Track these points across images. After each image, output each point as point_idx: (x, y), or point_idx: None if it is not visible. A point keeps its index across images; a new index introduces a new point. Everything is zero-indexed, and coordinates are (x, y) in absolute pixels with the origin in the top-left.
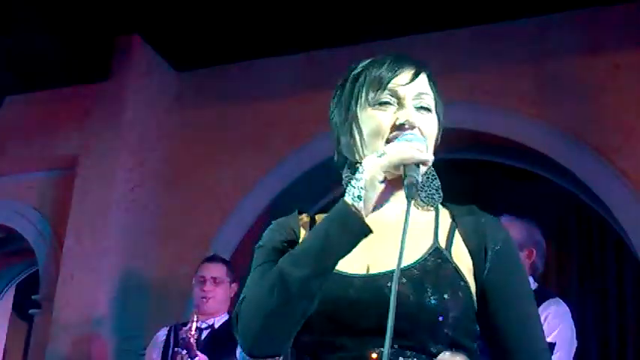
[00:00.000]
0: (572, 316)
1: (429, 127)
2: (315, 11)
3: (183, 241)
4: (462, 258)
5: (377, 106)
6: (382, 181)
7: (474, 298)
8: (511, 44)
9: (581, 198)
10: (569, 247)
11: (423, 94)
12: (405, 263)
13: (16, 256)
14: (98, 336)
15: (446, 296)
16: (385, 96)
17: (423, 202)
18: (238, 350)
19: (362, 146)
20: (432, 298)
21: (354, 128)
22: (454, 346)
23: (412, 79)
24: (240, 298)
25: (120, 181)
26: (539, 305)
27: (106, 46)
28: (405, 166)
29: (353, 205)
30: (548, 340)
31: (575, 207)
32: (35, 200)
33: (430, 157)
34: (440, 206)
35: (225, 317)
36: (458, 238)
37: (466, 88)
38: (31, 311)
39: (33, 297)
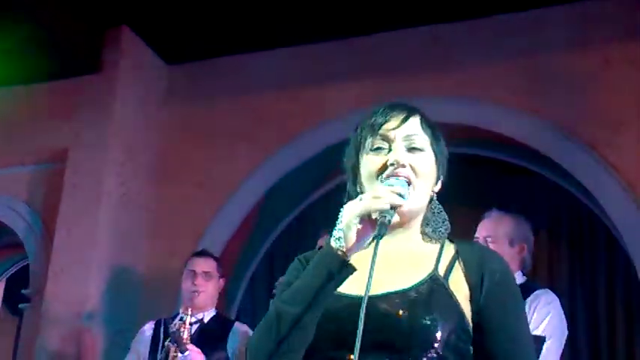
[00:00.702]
0: (563, 309)
1: (421, 165)
2: (304, 5)
3: (173, 235)
4: (459, 286)
5: (373, 152)
6: (360, 222)
7: (468, 322)
8: (502, 39)
9: (571, 192)
10: (560, 240)
11: (413, 135)
12: (404, 286)
13: (5, 250)
14: (88, 330)
15: (438, 317)
16: (378, 141)
17: (430, 236)
18: (229, 348)
19: (360, 189)
20: (424, 318)
21: (357, 173)
22: None
23: (401, 123)
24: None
25: (110, 174)
26: (526, 298)
27: (97, 39)
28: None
29: (336, 248)
30: (537, 332)
31: (566, 201)
32: (25, 194)
33: (401, 202)
34: (447, 241)
35: (213, 312)
36: (458, 268)
37: (457, 83)
38: (21, 305)
39: (23, 291)
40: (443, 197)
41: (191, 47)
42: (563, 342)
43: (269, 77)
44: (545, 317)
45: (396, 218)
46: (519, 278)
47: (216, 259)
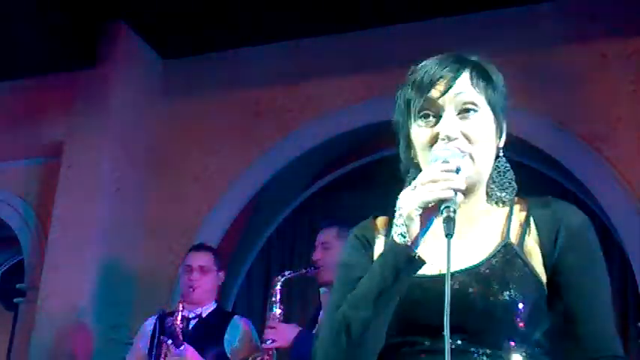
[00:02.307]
0: None
1: (475, 130)
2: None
3: (169, 230)
4: (533, 251)
5: (420, 120)
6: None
7: (545, 289)
8: (498, 33)
9: (567, 187)
10: None
11: (462, 94)
12: (474, 262)
13: (0, 245)
14: (83, 325)
15: (515, 292)
16: (425, 106)
17: (496, 199)
18: (227, 342)
19: (414, 157)
20: (501, 294)
21: (406, 139)
22: (528, 341)
23: (448, 86)
24: (317, 335)
25: (105, 169)
26: None
27: (92, 34)
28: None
29: (401, 243)
30: None
31: (561, 195)
32: (20, 188)
33: (461, 186)
34: (516, 202)
35: (212, 307)
36: (531, 232)
37: None
38: (16, 300)
39: (18, 286)
40: None
41: (187, 42)
42: None
43: (265, 72)
44: None
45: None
46: None
47: (214, 252)
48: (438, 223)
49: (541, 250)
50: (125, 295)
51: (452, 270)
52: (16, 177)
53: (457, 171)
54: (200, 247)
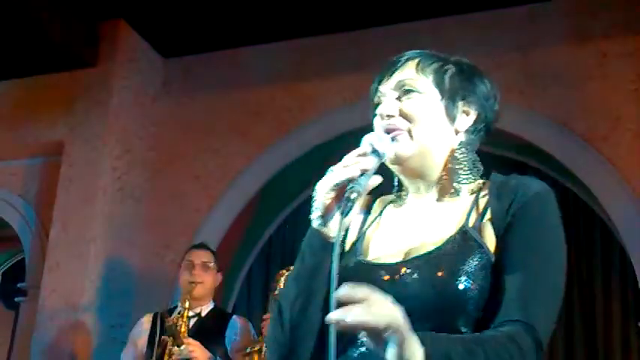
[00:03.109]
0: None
1: (413, 109)
2: None
3: (169, 229)
4: (488, 232)
5: (375, 110)
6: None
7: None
8: (498, 32)
9: (567, 186)
10: None
11: (403, 80)
12: (431, 247)
13: (1, 244)
14: (84, 324)
15: (469, 278)
16: (376, 100)
17: (456, 188)
18: (227, 340)
19: None
20: (455, 280)
21: None
22: (483, 328)
23: (391, 74)
24: None
25: (106, 168)
26: None
27: (93, 33)
28: (350, 180)
29: (317, 228)
30: None
31: (562, 195)
32: (21, 187)
33: (370, 165)
34: (485, 184)
35: (211, 305)
36: (489, 212)
37: None
38: (17, 299)
39: (19, 285)
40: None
41: (187, 41)
42: None
43: (265, 71)
44: None
45: (376, 180)
46: None
47: (213, 252)
48: (391, 212)
49: (494, 229)
50: (125, 295)
51: (408, 257)
52: (16, 176)
53: (376, 152)
54: (201, 246)
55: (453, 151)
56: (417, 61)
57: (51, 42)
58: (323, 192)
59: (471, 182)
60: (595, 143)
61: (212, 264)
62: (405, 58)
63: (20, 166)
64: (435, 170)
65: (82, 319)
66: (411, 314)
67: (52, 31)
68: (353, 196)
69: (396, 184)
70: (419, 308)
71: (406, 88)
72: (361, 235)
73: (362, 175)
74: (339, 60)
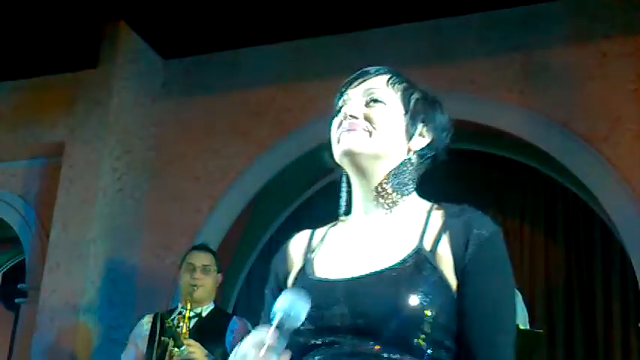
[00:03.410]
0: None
1: (377, 115)
2: (301, 0)
3: (169, 230)
4: (445, 258)
5: (337, 114)
6: None
7: (455, 295)
8: (498, 33)
9: (567, 186)
10: (556, 235)
11: (373, 89)
12: (386, 265)
13: (1, 245)
14: (84, 325)
15: (423, 296)
16: (340, 103)
17: (392, 190)
18: (227, 340)
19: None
20: (409, 299)
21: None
22: (435, 345)
23: (362, 82)
24: None
25: (106, 169)
26: None
27: (94, 34)
28: None
29: None
30: None
31: (562, 195)
32: (21, 188)
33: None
34: (434, 209)
35: (211, 306)
36: (445, 239)
37: (453, 77)
38: (17, 300)
39: (19, 286)
40: (438, 192)
41: (188, 42)
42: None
43: (265, 72)
44: None
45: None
46: None
47: (214, 253)
48: (338, 231)
49: (453, 257)
50: (126, 295)
51: (366, 272)
52: (17, 177)
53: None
54: (202, 248)
55: (400, 165)
56: (388, 76)
57: (52, 43)
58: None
59: (405, 196)
60: (595, 143)
61: (213, 266)
62: (376, 69)
63: (20, 167)
64: (381, 176)
65: (82, 320)
66: (367, 331)
67: (53, 32)
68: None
69: (343, 203)
70: (374, 325)
71: (374, 97)
72: (306, 262)
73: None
74: (340, 61)
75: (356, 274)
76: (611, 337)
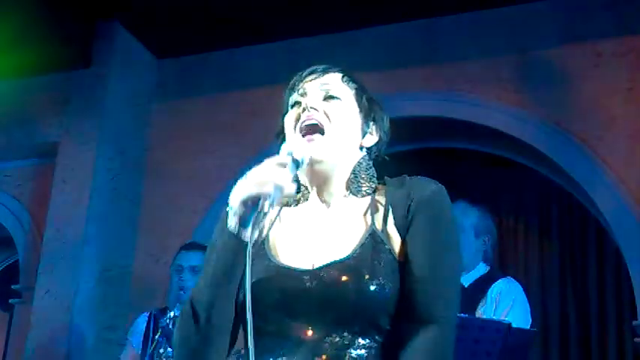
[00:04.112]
0: (554, 302)
1: (335, 111)
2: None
3: (164, 230)
4: (393, 233)
5: (291, 108)
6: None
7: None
8: (492, 32)
9: (562, 186)
10: (550, 234)
11: (329, 84)
12: (344, 253)
13: None
14: (79, 325)
15: (384, 280)
16: (295, 97)
17: (353, 192)
18: None
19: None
20: (370, 284)
21: (283, 135)
22: (392, 320)
23: (318, 77)
24: None
25: (100, 169)
26: (489, 288)
27: (87, 34)
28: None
29: (230, 230)
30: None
31: (557, 195)
32: (14, 189)
33: (285, 182)
34: (378, 189)
35: None
36: (389, 213)
37: (447, 77)
38: (11, 301)
39: (13, 286)
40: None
41: (182, 42)
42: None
43: (260, 72)
44: (505, 308)
45: (291, 189)
46: (482, 268)
47: (205, 250)
48: (293, 213)
49: (397, 229)
50: (120, 296)
51: (322, 263)
52: (10, 177)
53: (296, 163)
54: (191, 247)
55: (359, 161)
56: (341, 74)
57: (45, 43)
58: (236, 198)
59: (368, 191)
60: (589, 143)
61: (202, 265)
62: (329, 67)
63: (14, 167)
64: (342, 173)
65: (76, 320)
66: (337, 318)
67: (47, 32)
68: (266, 209)
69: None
70: (344, 312)
71: (332, 93)
72: (265, 238)
73: (276, 188)
74: (335, 60)
75: (319, 264)
76: (606, 336)
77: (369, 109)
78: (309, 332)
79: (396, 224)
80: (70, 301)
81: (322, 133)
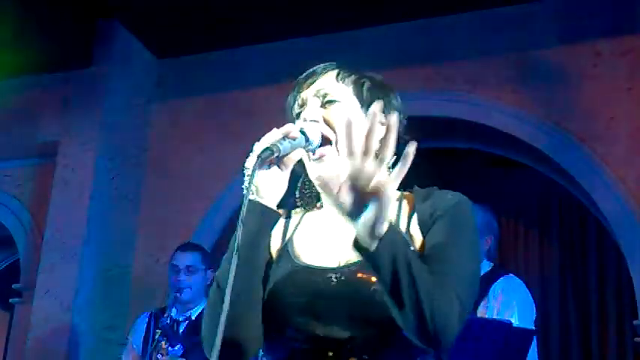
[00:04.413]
0: (554, 301)
1: (334, 117)
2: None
3: (164, 230)
4: (415, 240)
5: (297, 118)
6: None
7: None
8: (492, 33)
9: (562, 185)
10: (551, 234)
11: (325, 88)
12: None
13: None
14: (79, 325)
15: None
16: (296, 108)
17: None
18: None
19: None
20: None
21: None
22: None
23: (311, 83)
24: None
25: (101, 169)
26: (492, 285)
27: (87, 33)
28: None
29: (251, 198)
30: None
31: (557, 194)
32: (15, 189)
33: (292, 130)
34: (405, 195)
35: (202, 306)
36: (414, 221)
37: (447, 77)
38: (11, 300)
39: (14, 286)
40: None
41: (182, 41)
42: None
43: (260, 72)
44: (508, 305)
45: (298, 154)
46: (485, 266)
47: (201, 251)
48: (314, 217)
49: (421, 233)
50: (120, 296)
51: (347, 261)
52: (10, 177)
53: (305, 138)
54: (186, 247)
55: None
56: (336, 71)
57: (45, 42)
58: (252, 160)
59: None
60: (589, 142)
61: (199, 264)
62: (324, 67)
63: (14, 167)
64: None
65: (76, 320)
66: (363, 318)
67: (47, 31)
68: (267, 152)
69: (297, 196)
70: (370, 312)
71: (328, 97)
72: (288, 241)
73: (284, 139)
74: (334, 60)
75: (344, 262)
76: (606, 336)
77: (372, 100)
78: (335, 332)
79: (421, 229)
80: (70, 301)
81: (330, 143)
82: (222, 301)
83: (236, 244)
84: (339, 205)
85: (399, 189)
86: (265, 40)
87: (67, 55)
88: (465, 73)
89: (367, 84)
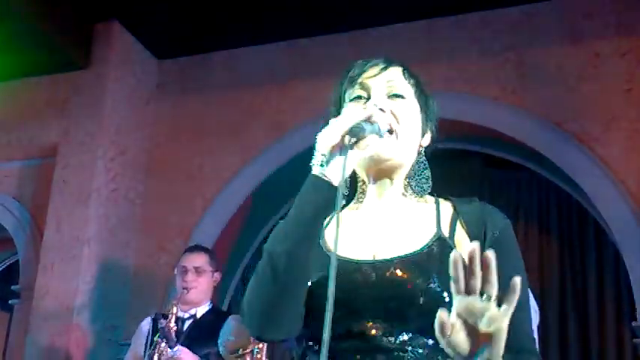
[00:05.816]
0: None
1: (402, 111)
2: (295, 0)
3: (164, 230)
4: (463, 246)
5: (352, 101)
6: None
7: None
8: (491, 33)
9: (561, 187)
10: (550, 235)
11: (393, 81)
12: (410, 250)
13: None
14: (78, 326)
15: (448, 281)
16: (357, 90)
17: (412, 190)
18: (220, 340)
19: None
20: (437, 284)
21: None
22: None
23: (380, 71)
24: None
25: (100, 170)
26: None
27: (86, 34)
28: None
29: (318, 175)
30: None
31: (556, 195)
32: (14, 189)
33: (372, 111)
34: (441, 200)
35: (207, 307)
36: (459, 227)
37: (446, 77)
38: (11, 301)
39: (13, 287)
40: (431, 192)
41: (181, 42)
42: (537, 323)
43: (260, 72)
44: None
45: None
46: None
47: (209, 253)
48: (352, 214)
49: (469, 238)
50: (120, 296)
51: (384, 256)
52: (10, 178)
53: (369, 122)
54: (195, 249)
55: (418, 160)
56: (401, 68)
57: (44, 44)
58: (326, 139)
59: (427, 191)
60: (588, 143)
61: (206, 266)
62: (391, 60)
63: (14, 168)
64: (403, 173)
65: (76, 320)
66: (397, 314)
67: (47, 33)
68: (353, 140)
69: (346, 193)
70: (405, 308)
71: (396, 91)
72: (323, 236)
73: (366, 121)
74: (335, 61)
75: (381, 257)
76: (605, 336)
77: (427, 107)
78: (370, 329)
79: (469, 235)
80: (69, 302)
81: (391, 132)
82: (274, 277)
83: (337, 215)
84: (452, 348)
85: (420, 194)
86: (265, 40)
87: (67, 55)
88: (465, 73)
89: (424, 91)
